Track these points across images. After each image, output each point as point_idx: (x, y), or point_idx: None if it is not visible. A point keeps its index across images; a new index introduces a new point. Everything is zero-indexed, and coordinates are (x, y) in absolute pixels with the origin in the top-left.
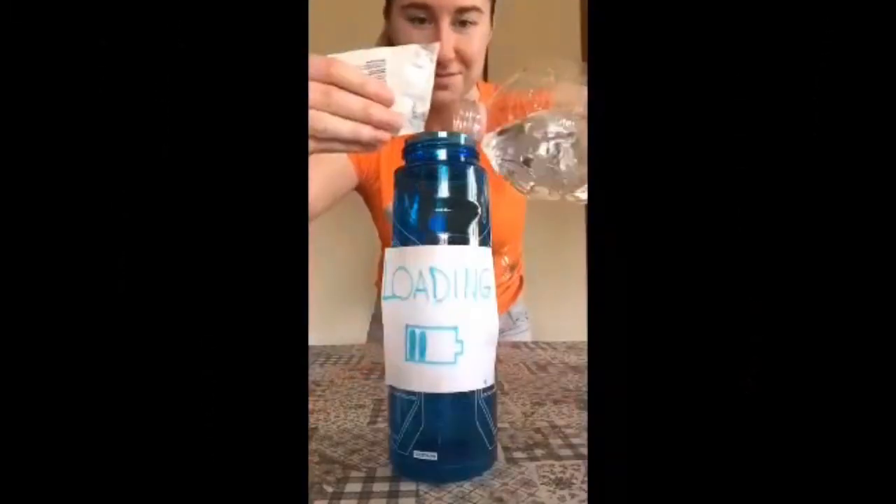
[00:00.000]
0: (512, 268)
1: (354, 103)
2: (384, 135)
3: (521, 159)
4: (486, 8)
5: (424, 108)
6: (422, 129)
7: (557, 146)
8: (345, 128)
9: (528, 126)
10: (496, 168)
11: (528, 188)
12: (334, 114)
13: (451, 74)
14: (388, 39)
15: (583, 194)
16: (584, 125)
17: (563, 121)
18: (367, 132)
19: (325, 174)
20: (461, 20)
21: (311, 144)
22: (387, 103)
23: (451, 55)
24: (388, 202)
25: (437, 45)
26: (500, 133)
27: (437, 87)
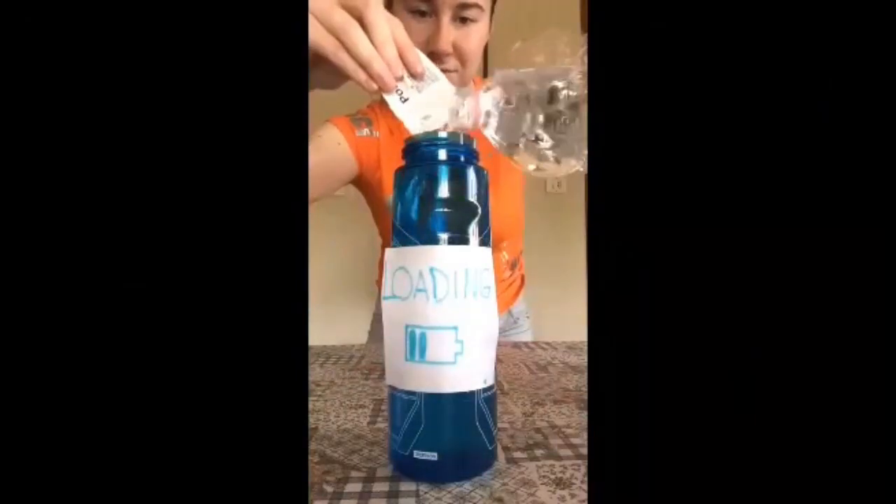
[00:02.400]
0: (512, 265)
1: (364, 50)
2: (372, 85)
3: (504, 104)
4: (487, 7)
5: (430, 126)
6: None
7: (523, 97)
8: (349, 65)
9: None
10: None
11: (504, 145)
12: (342, 43)
13: (447, 71)
14: None
15: (537, 163)
16: (576, 99)
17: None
18: (362, 77)
19: (322, 158)
20: (462, 16)
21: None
22: (395, 72)
23: (449, 50)
24: (390, 193)
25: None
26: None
27: None
